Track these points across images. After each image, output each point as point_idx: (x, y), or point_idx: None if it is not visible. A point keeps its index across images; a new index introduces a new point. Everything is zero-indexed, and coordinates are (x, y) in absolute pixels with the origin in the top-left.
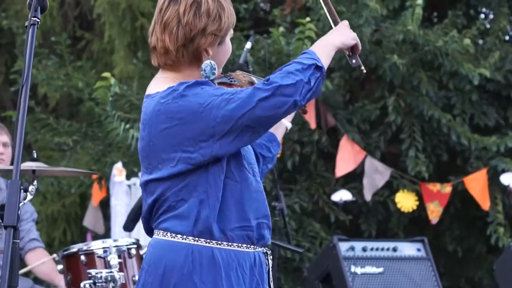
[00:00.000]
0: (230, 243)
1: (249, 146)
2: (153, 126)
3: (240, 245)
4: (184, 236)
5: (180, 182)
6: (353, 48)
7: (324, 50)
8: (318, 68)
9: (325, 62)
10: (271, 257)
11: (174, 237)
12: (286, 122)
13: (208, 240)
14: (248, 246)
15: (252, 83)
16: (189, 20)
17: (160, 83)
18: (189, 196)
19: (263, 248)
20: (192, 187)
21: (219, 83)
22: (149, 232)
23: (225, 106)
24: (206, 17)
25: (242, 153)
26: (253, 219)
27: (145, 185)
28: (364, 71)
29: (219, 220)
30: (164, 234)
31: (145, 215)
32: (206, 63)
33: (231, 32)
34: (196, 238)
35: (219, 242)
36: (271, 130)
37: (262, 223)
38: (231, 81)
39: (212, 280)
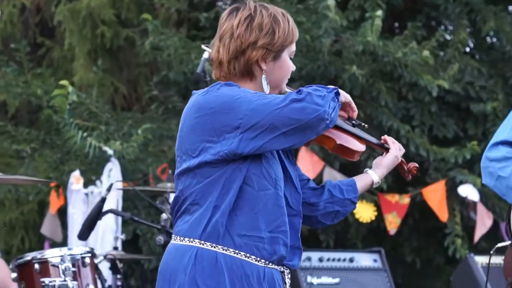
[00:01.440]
0: (237, 251)
1: (277, 160)
2: (187, 116)
3: (247, 255)
4: (191, 239)
5: (197, 184)
6: (346, 110)
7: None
8: (338, 95)
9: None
10: (289, 276)
11: (182, 240)
12: (373, 175)
13: (214, 245)
14: (258, 259)
15: None
16: (241, 33)
17: None
18: (204, 200)
19: (279, 266)
20: (209, 192)
21: None
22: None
23: (256, 101)
24: (258, 31)
25: (265, 164)
26: (265, 231)
27: (175, 179)
28: (366, 126)
29: (229, 224)
30: (175, 238)
31: (171, 211)
32: (263, 77)
33: (292, 49)
34: (202, 242)
35: (225, 248)
36: (355, 178)
37: (277, 237)
38: None
39: (215, 284)
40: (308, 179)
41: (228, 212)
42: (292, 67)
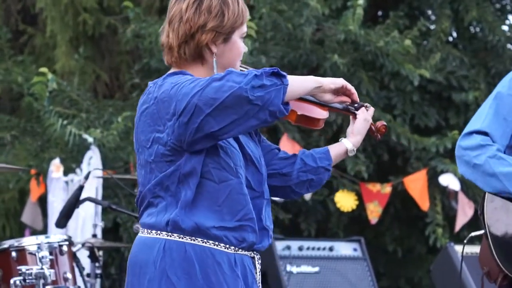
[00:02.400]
0: (205, 240)
1: (235, 148)
2: (139, 109)
3: (216, 243)
4: (158, 232)
5: (155, 178)
6: (345, 95)
7: (299, 78)
8: (279, 75)
9: (296, 85)
10: (259, 261)
11: (149, 233)
12: (347, 143)
13: (182, 236)
14: (227, 246)
15: None
16: (190, 17)
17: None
18: (164, 194)
19: (250, 252)
20: (166, 187)
21: None
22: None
23: (187, 85)
24: (207, 13)
25: (222, 155)
26: (232, 220)
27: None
28: (368, 105)
29: (194, 218)
30: (142, 230)
31: (135, 203)
32: (213, 60)
33: (242, 31)
34: (170, 234)
35: (193, 238)
36: (329, 146)
37: (245, 225)
38: None
39: (186, 274)
40: (278, 149)
41: (189, 207)
42: (243, 48)
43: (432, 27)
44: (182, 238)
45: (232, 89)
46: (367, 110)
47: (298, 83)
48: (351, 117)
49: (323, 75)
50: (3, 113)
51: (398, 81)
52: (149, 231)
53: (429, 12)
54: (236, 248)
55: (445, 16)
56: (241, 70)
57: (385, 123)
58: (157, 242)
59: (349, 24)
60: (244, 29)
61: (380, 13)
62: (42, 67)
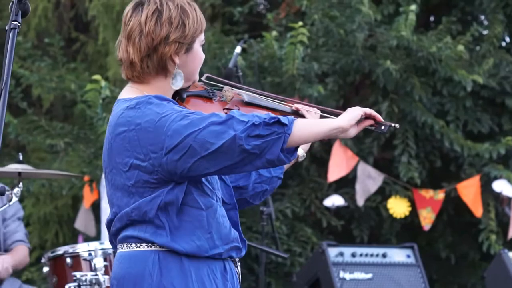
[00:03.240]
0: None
1: None
2: (114, 129)
3: (209, 256)
4: (149, 244)
5: (135, 203)
6: (371, 119)
7: (311, 123)
8: (281, 124)
9: (305, 130)
10: (239, 264)
11: (139, 247)
12: (299, 150)
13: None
14: (217, 258)
15: (240, 100)
16: (151, 29)
17: (130, 91)
18: (141, 219)
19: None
20: (143, 211)
21: (196, 96)
22: (111, 243)
23: (179, 121)
24: (168, 25)
25: (204, 181)
26: (223, 245)
27: (108, 191)
28: (397, 126)
29: (189, 249)
30: (128, 245)
31: (107, 225)
32: (176, 72)
33: (201, 38)
34: (164, 246)
35: (187, 253)
36: None
37: (233, 247)
38: (210, 95)
39: (183, 284)
40: None
41: (179, 237)
42: (203, 56)
43: (485, 32)
44: (175, 252)
45: (229, 136)
46: (395, 129)
47: (308, 129)
48: None
49: (376, 81)
50: (56, 120)
51: (450, 87)
52: (138, 244)
53: (482, 17)
54: (223, 259)
55: (498, 21)
56: (230, 94)
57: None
58: (150, 254)
59: (401, 30)
60: (202, 36)
61: (432, 18)
62: (94, 74)
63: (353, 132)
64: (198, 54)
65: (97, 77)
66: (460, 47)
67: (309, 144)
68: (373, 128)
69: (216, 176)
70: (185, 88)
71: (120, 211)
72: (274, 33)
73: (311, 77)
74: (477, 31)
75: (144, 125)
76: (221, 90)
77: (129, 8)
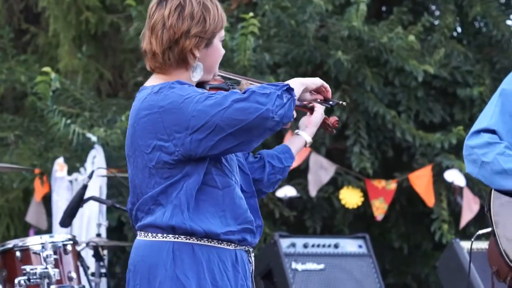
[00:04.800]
0: (210, 240)
1: (233, 156)
2: (139, 112)
3: (220, 242)
4: (165, 235)
5: (156, 184)
6: (320, 92)
7: (293, 83)
8: (290, 90)
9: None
10: (253, 254)
11: (155, 237)
12: (305, 136)
13: (188, 237)
14: (229, 243)
15: None
16: (173, 23)
17: (154, 80)
18: (166, 201)
19: (244, 247)
20: (170, 193)
21: (217, 88)
22: (134, 228)
23: (203, 101)
24: (190, 20)
25: (224, 161)
26: (235, 224)
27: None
28: (344, 103)
29: (203, 225)
30: (146, 234)
31: (129, 212)
32: (196, 64)
33: (221, 34)
34: (176, 236)
35: (199, 238)
36: (288, 143)
37: (246, 228)
38: (230, 87)
39: (195, 274)
40: (248, 153)
41: (195, 214)
42: (223, 51)
43: (436, 22)
44: (189, 239)
45: (259, 111)
46: (343, 106)
47: (297, 91)
48: (308, 112)
49: (327, 71)
50: (6, 112)
51: (402, 77)
52: (154, 234)
53: (433, 7)
54: (236, 245)
55: (449, 11)
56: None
57: (337, 118)
58: (165, 245)
59: (352, 20)
60: (222, 33)
61: (384, 8)
62: (45, 66)
63: (307, 96)
64: (218, 49)
65: (47, 69)
66: (411, 38)
67: (315, 131)
68: (321, 103)
69: (236, 162)
70: (207, 81)
71: (143, 194)
72: (225, 24)
73: (263, 68)
74: (428, 21)
75: (167, 106)
76: (238, 83)
77: (153, 2)
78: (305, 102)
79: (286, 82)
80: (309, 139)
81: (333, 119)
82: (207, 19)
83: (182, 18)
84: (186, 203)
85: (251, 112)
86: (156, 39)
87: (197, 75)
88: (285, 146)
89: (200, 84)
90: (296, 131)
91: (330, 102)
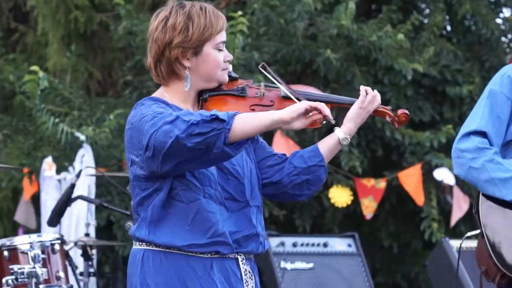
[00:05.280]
0: (181, 250)
1: (211, 168)
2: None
3: (190, 251)
4: (138, 243)
5: (136, 196)
6: (319, 113)
7: (251, 117)
8: (219, 120)
9: (246, 125)
10: (243, 262)
11: (135, 245)
12: (338, 131)
13: (157, 246)
14: (202, 254)
15: (277, 95)
16: (158, 36)
17: (157, 91)
18: (141, 213)
19: (233, 254)
20: (143, 205)
21: (224, 95)
22: None
23: (149, 121)
24: (172, 31)
25: (188, 176)
26: (203, 238)
27: None
28: (333, 122)
29: (164, 239)
30: (134, 242)
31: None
32: (186, 75)
33: (217, 41)
34: (149, 243)
35: (169, 247)
36: (321, 141)
37: (216, 241)
38: (241, 93)
39: (163, 281)
40: (274, 154)
41: (157, 228)
42: (223, 57)
43: (426, 21)
44: (159, 247)
45: (174, 136)
46: (332, 126)
47: (250, 122)
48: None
49: (316, 70)
50: None
51: (391, 76)
52: (135, 242)
53: (423, 5)
54: (211, 255)
55: (438, 9)
56: (262, 91)
57: (406, 112)
58: (138, 253)
59: (341, 19)
60: (218, 39)
61: (373, 7)
62: (34, 65)
63: (297, 124)
64: (211, 57)
65: (35, 68)
66: (401, 36)
67: (352, 128)
68: (322, 122)
69: (216, 172)
70: (213, 89)
71: (133, 203)
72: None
73: (252, 67)
74: (417, 19)
75: (134, 124)
76: (244, 89)
77: (154, 14)
78: (302, 127)
79: (210, 113)
80: (341, 135)
81: (400, 111)
82: (190, 28)
83: (165, 30)
84: (151, 216)
85: (170, 136)
86: (150, 53)
87: (188, 86)
88: (314, 145)
89: (202, 92)
90: (335, 127)
91: (330, 120)
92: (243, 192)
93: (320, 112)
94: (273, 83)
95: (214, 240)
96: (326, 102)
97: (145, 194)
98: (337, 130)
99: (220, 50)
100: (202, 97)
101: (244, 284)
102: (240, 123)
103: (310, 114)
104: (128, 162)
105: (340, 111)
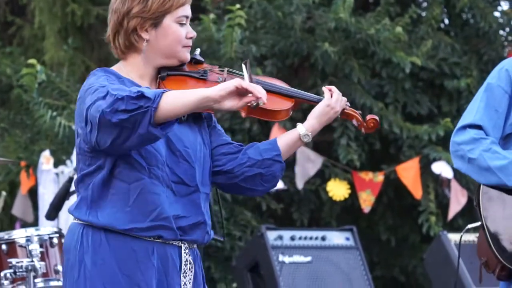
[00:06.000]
0: (121, 231)
1: (154, 148)
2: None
3: (132, 234)
4: (78, 219)
5: (80, 171)
6: (250, 94)
7: (177, 95)
8: (145, 97)
9: (172, 103)
10: (187, 251)
11: (74, 219)
12: (299, 127)
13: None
14: (144, 237)
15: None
16: (117, 6)
17: (115, 66)
18: (82, 189)
19: (177, 241)
20: (84, 182)
21: (184, 75)
22: None
23: (90, 94)
24: (131, 1)
25: (134, 155)
26: (146, 221)
27: None
28: (262, 104)
29: (103, 220)
30: (73, 218)
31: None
32: (144, 48)
33: (177, 15)
34: (88, 221)
35: (111, 228)
36: (281, 135)
37: (159, 225)
38: (202, 76)
39: (101, 261)
40: (230, 143)
41: (97, 208)
42: (185, 33)
43: (424, 14)
44: (99, 227)
45: (100, 111)
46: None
47: (176, 101)
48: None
49: (314, 63)
50: None
51: (389, 69)
52: (74, 217)
53: None
54: (153, 239)
55: (436, 2)
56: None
57: (376, 118)
58: (77, 228)
59: (339, 12)
60: (179, 13)
61: (371, 0)
62: (31, 58)
63: (228, 104)
64: (172, 30)
65: (32, 61)
66: (399, 29)
67: (315, 125)
68: (253, 104)
69: (165, 153)
70: (172, 67)
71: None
72: (212, 16)
73: (250, 60)
74: (415, 12)
75: (81, 94)
76: (206, 72)
77: None
78: (235, 108)
79: (136, 89)
80: (302, 131)
81: (370, 116)
82: None
83: (124, 0)
84: (91, 196)
85: (99, 111)
86: (109, 26)
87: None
88: (273, 138)
89: (161, 70)
90: (298, 123)
91: (259, 102)
92: (193, 177)
93: (252, 94)
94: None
95: (156, 224)
96: (290, 96)
97: (88, 170)
98: (299, 125)
99: (182, 24)
100: (160, 75)
101: (182, 275)
102: (168, 101)
103: (247, 97)
104: (76, 133)
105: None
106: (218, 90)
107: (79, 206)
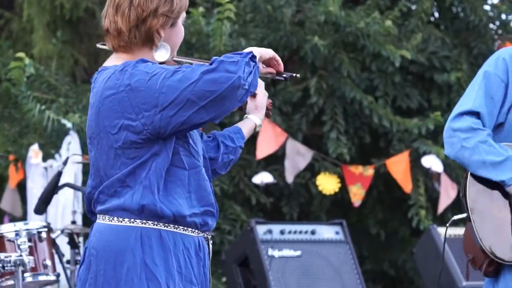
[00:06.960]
0: (176, 226)
1: (198, 137)
2: (102, 93)
3: (185, 228)
4: (132, 220)
5: (123, 165)
6: (272, 66)
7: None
8: (254, 57)
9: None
10: (211, 241)
11: (121, 222)
12: (254, 118)
13: (156, 223)
14: (193, 230)
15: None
16: (141, 1)
17: (116, 60)
18: (134, 183)
19: (204, 233)
20: (138, 174)
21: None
22: (90, 213)
23: (170, 77)
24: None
25: (190, 141)
26: (199, 206)
27: (91, 157)
28: (298, 75)
29: (172, 207)
30: (110, 219)
31: (89, 195)
32: (161, 44)
33: (184, 15)
34: (144, 221)
35: (166, 224)
36: (239, 125)
37: (208, 210)
38: None
39: (163, 261)
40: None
41: (164, 196)
42: (183, 32)
43: (413, 7)
44: (157, 225)
45: (230, 80)
46: (297, 78)
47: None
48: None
49: (304, 57)
50: None
51: (379, 62)
52: (121, 219)
53: None
54: (198, 231)
55: None
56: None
57: (271, 101)
58: (133, 230)
59: (329, 5)
60: (184, 14)
61: None
62: (19, 52)
63: (261, 69)
64: (181, 30)
65: (21, 54)
66: (388, 23)
67: (263, 114)
68: (274, 77)
69: (201, 144)
70: (162, 62)
71: (107, 177)
72: (201, 9)
73: None
74: (405, 6)
75: (134, 85)
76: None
77: None
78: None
79: (247, 50)
80: (258, 122)
81: (268, 101)
82: None
83: None
84: (156, 183)
85: (223, 82)
86: (122, 17)
87: (161, 55)
88: (236, 127)
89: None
90: (245, 115)
91: (284, 75)
92: (207, 168)
93: (277, 66)
94: None
95: (206, 210)
96: None
97: (139, 161)
98: (252, 117)
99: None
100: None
101: (208, 269)
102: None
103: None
104: (113, 129)
105: None
106: (265, 52)
107: (144, 195)
